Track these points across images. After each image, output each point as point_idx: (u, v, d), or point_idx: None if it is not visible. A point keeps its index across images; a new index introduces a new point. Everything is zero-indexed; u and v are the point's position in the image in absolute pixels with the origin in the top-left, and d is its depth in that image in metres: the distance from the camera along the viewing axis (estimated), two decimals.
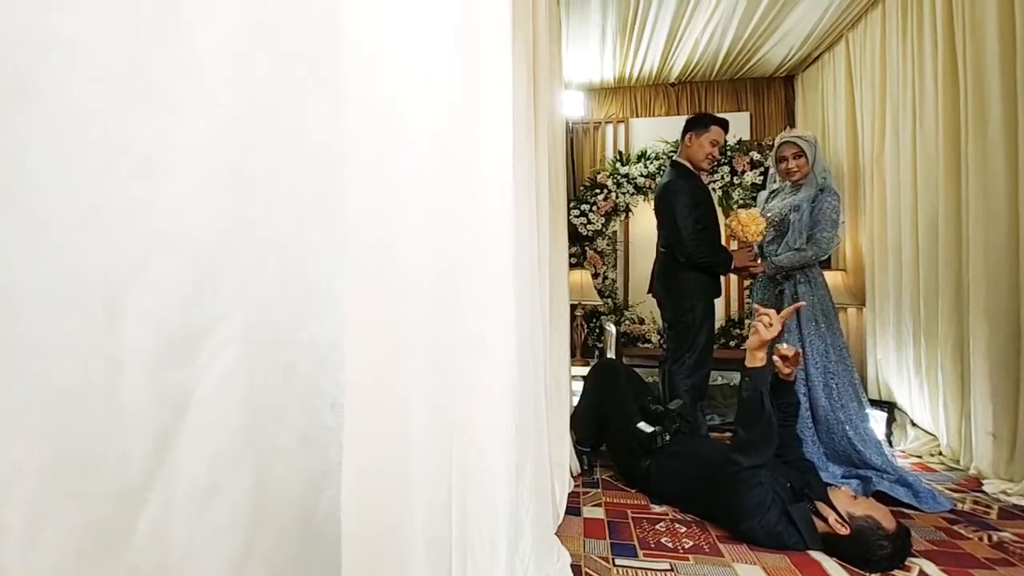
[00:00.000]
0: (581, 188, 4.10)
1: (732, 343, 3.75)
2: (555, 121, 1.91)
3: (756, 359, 1.69)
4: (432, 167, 0.42)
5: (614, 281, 4.02)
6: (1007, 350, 2.11)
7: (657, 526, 1.69)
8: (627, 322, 3.91)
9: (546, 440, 1.32)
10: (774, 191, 2.60)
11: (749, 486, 1.56)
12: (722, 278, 2.57)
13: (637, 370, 2.77)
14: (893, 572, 1.42)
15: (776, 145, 2.45)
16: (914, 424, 2.71)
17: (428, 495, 0.36)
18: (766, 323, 1.68)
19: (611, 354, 3.39)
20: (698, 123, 2.44)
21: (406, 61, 0.42)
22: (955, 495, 2.03)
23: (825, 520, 1.51)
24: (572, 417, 2.37)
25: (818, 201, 2.30)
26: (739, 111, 4.27)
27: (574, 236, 3.99)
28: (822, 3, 3.05)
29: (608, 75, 4.22)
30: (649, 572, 1.39)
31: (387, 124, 0.39)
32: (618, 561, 1.44)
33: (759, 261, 2.49)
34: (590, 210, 3.93)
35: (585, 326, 3.64)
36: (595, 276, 3.91)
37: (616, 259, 4.10)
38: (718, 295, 2.52)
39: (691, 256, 2.36)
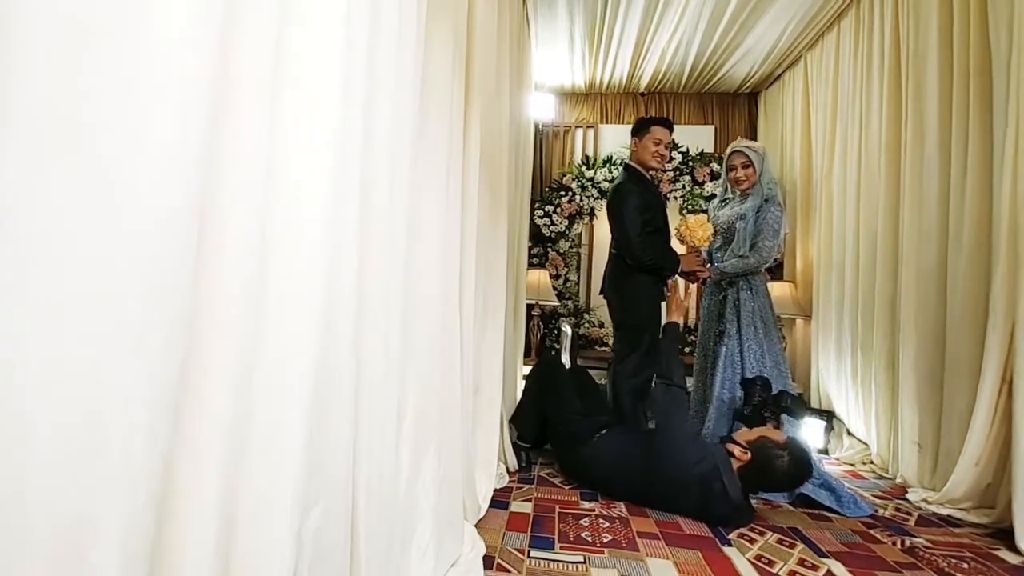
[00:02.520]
0: (546, 190, 4.13)
1: (687, 349, 3.80)
2: (504, 118, 1.90)
3: (675, 317, 2.32)
4: (183, 165, 0.38)
5: (575, 283, 4.05)
6: (933, 363, 2.18)
7: (581, 521, 1.68)
8: (586, 325, 3.93)
9: (459, 433, 1.31)
10: (725, 199, 2.65)
11: (682, 410, 2.01)
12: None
13: (591, 372, 2.80)
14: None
15: (727, 154, 2.51)
16: (850, 433, 2.78)
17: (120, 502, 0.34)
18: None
19: (566, 355, 3.40)
20: (640, 127, 2.50)
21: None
22: (879, 502, 2.09)
23: (734, 456, 1.74)
24: (515, 413, 2.37)
25: (762, 211, 2.36)
26: (705, 124, 4.38)
27: (537, 237, 4.01)
28: (780, 23, 3.15)
29: (579, 80, 4.27)
30: (561, 564, 1.38)
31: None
32: (533, 553, 1.43)
33: (707, 266, 2.53)
34: (554, 211, 3.95)
35: (542, 326, 3.64)
36: (556, 277, 3.92)
37: (580, 262, 4.13)
38: (664, 298, 2.55)
39: (638, 259, 2.39)
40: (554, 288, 3.89)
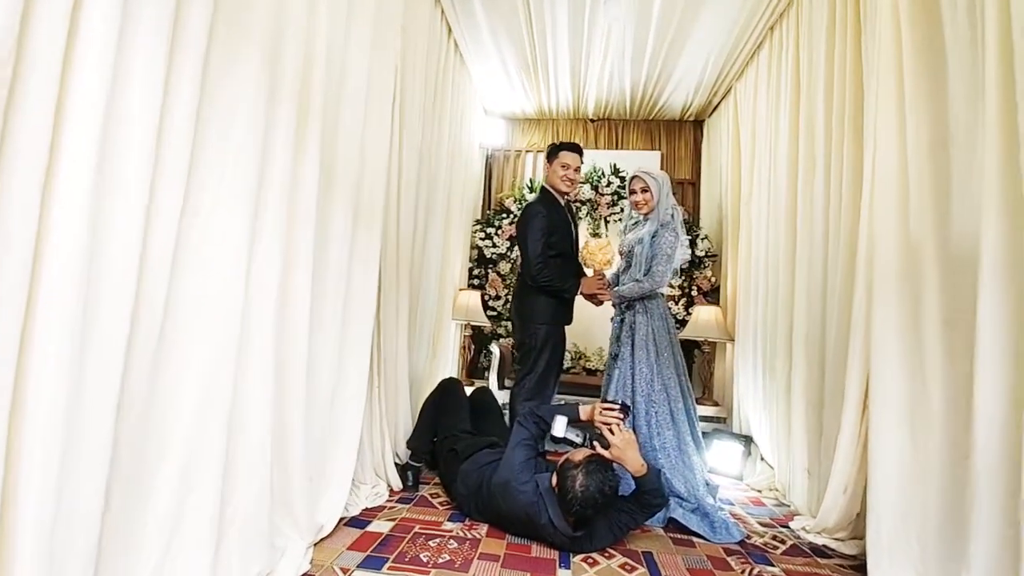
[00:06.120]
0: (488, 212, 4.21)
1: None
2: (381, 143, 1.97)
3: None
4: None
5: None
6: (818, 390, 2.19)
7: (431, 542, 1.69)
8: None
9: (271, 448, 1.33)
10: (636, 223, 2.69)
11: (522, 443, 1.83)
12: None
13: None
14: None
15: (629, 178, 2.56)
16: (763, 458, 2.77)
17: None
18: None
19: (495, 375, 3.41)
20: (550, 152, 2.58)
21: None
22: (762, 528, 2.07)
23: (554, 485, 1.69)
24: (412, 433, 2.39)
25: (657, 236, 2.40)
26: (652, 149, 4.47)
27: (480, 258, 4.06)
28: (701, 55, 3.25)
29: (529, 107, 4.38)
30: None
31: None
32: (356, 573, 1.44)
33: (610, 289, 2.56)
34: (495, 233, 4.01)
35: (472, 347, 3.66)
36: (496, 299, 3.96)
37: None
38: (567, 322, 2.58)
39: (535, 279, 2.43)
40: (494, 309, 3.92)
